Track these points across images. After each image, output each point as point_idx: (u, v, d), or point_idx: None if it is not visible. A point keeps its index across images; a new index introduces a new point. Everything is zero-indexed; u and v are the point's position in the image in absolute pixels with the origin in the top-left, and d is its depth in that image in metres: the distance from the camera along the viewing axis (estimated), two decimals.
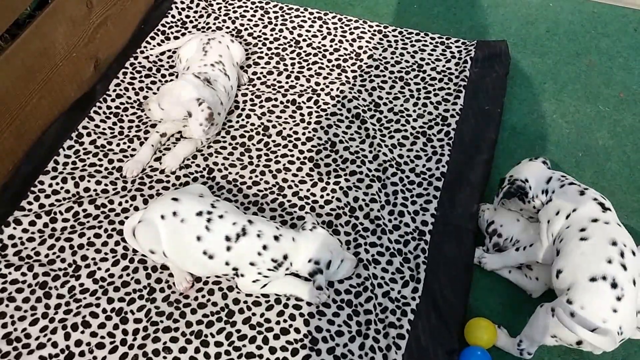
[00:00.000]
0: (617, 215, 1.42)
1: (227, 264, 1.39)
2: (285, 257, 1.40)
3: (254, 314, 1.42)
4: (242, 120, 1.87)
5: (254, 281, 1.41)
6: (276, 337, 1.39)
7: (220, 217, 1.39)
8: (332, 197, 1.66)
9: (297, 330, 1.40)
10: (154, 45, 2.08)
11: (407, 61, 2.05)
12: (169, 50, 2.06)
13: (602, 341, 1.23)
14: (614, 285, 1.25)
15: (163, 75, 2.01)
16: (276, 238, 1.40)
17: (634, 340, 1.45)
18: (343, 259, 1.46)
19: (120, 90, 1.93)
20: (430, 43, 2.12)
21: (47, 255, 1.51)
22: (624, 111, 1.99)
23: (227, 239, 1.38)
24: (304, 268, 1.41)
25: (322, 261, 1.41)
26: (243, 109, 1.89)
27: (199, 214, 1.39)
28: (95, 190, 1.66)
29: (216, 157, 1.76)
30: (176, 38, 2.13)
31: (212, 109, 1.64)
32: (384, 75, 2.00)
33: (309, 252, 1.41)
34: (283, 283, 1.45)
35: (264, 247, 1.39)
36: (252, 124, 1.85)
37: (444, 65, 2.04)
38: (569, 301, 1.28)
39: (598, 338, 1.23)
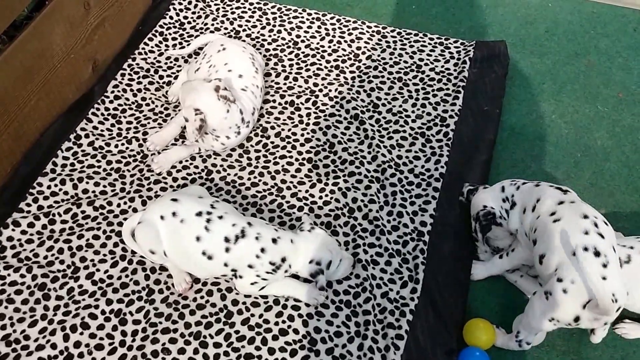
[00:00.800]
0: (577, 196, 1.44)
1: (225, 265, 1.40)
2: (283, 260, 1.41)
3: (252, 315, 1.43)
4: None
5: (252, 283, 1.42)
6: (275, 338, 1.40)
7: (220, 217, 1.40)
8: (331, 198, 1.68)
9: (296, 331, 1.41)
10: (152, 47, 2.09)
11: (405, 62, 2.06)
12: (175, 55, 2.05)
13: (605, 304, 1.22)
14: (597, 254, 1.28)
15: (161, 77, 2.02)
16: (274, 241, 1.41)
17: (632, 341, 1.47)
18: (341, 258, 1.47)
19: (119, 91, 1.95)
20: (429, 43, 2.13)
21: (45, 257, 1.53)
22: (622, 111, 2.00)
23: (227, 240, 1.39)
24: (305, 269, 1.42)
25: (323, 261, 1.42)
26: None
27: (199, 214, 1.40)
28: (93, 191, 1.67)
29: (215, 158, 1.77)
30: (174, 39, 2.14)
31: (205, 122, 1.62)
32: (383, 76, 2.01)
33: (308, 253, 1.42)
34: (281, 285, 1.46)
35: (262, 250, 1.40)
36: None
37: (442, 66, 2.05)
38: (559, 279, 1.29)
39: (601, 301, 1.22)
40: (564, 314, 1.29)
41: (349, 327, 1.42)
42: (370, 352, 1.38)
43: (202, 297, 1.47)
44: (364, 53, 2.09)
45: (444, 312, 1.46)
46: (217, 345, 1.39)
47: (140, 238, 1.43)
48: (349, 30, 2.17)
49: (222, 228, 1.40)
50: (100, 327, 1.41)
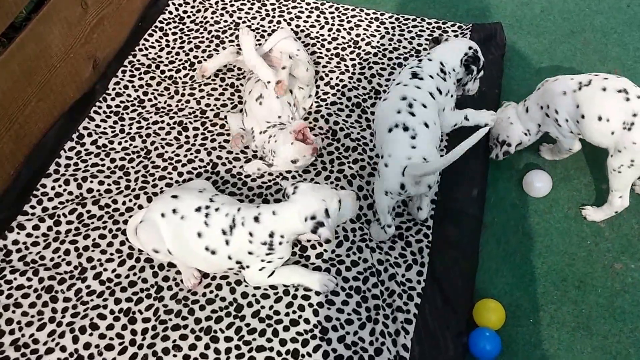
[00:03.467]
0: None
1: (229, 257, 1.25)
2: (271, 235, 1.22)
3: (262, 307, 1.29)
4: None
5: (260, 270, 1.26)
6: (286, 328, 1.25)
7: (217, 210, 1.24)
8: (337, 185, 1.51)
9: (307, 321, 1.26)
10: (153, 42, 1.90)
11: (405, 47, 1.87)
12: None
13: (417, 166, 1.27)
14: (405, 129, 1.31)
15: (162, 72, 1.83)
16: (256, 219, 1.23)
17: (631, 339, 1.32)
18: (339, 199, 1.25)
19: (120, 88, 1.75)
20: (427, 28, 1.93)
21: (52, 259, 1.37)
22: None
23: (224, 232, 1.23)
24: (305, 228, 1.21)
25: (318, 213, 1.19)
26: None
27: (198, 209, 1.24)
28: (98, 190, 1.50)
29: (220, 151, 1.60)
30: (174, 34, 1.94)
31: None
32: (383, 63, 1.82)
33: (297, 214, 1.20)
34: (290, 273, 1.30)
35: (250, 234, 1.23)
36: None
37: None
38: (381, 156, 1.34)
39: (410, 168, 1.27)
40: (390, 184, 1.30)
41: (359, 313, 1.28)
42: (382, 337, 1.24)
43: (211, 292, 1.31)
44: (363, 40, 1.89)
45: (452, 295, 1.32)
46: (228, 339, 1.24)
47: (143, 237, 1.27)
48: (347, 18, 1.97)
49: (218, 221, 1.24)
50: (110, 327, 1.26)
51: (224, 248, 1.25)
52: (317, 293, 1.29)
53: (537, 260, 1.44)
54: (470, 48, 1.49)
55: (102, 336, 1.24)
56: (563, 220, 1.51)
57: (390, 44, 1.88)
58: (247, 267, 1.27)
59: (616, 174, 1.41)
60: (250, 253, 1.25)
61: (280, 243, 1.25)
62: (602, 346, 1.29)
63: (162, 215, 1.25)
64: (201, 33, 1.94)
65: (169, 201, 1.26)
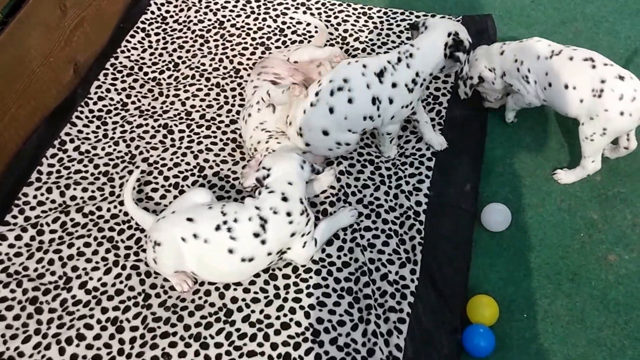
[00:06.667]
0: None
1: (269, 254, 1.26)
2: (301, 201, 1.29)
3: (253, 311, 1.29)
4: (233, 115, 1.69)
5: (304, 246, 1.30)
6: (277, 332, 1.25)
7: (236, 220, 1.25)
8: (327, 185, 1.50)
9: (298, 324, 1.26)
10: (135, 44, 1.88)
11: (393, 42, 1.86)
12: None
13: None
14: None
15: (145, 74, 1.82)
16: (284, 199, 1.29)
17: (634, 304, 1.34)
18: (302, 163, 1.34)
19: (102, 92, 1.74)
20: (416, 22, 1.92)
21: (36, 269, 1.36)
22: None
23: (256, 235, 1.24)
24: (275, 188, 1.29)
25: (272, 167, 1.32)
26: (233, 105, 1.72)
27: (217, 228, 1.24)
28: (82, 198, 1.49)
29: (207, 154, 1.59)
30: (157, 34, 1.93)
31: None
32: None
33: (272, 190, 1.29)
34: (324, 232, 1.35)
35: (288, 214, 1.27)
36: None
37: None
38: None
39: None
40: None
41: (351, 314, 1.28)
42: (374, 337, 1.24)
43: (200, 298, 1.31)
44: (351, 35, 1.88)
45: (446, 291, 1.32)
46: (218, 345, 1.24)
47: (163, 261, 1.26)
48: (334, 13, 1.96)
49: (245, 229, 1.24)
50: (97, 337, 1.25)
51: (261, 249, 1.25)
52: (309, 294, 1.29)
53: (530, 254, 1.44)
54: (449, 34, 1.40)
55: (89, 347, 1.24)
56: (556, 213, 1.51)
57: (379, 39, 1.87)
58: (289, 249, 1.28)
59: (588, 142, 1.44)
60: (292, 235, 1.27)
61: (304, 211, 1.29)
62: (596, 338, 1.30)
63: (183, 239, 1.24)
64: (185, 33, 1.93)
65: (186, 225, 1.25)
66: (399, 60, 1.40)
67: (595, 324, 1.32)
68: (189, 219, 1.26)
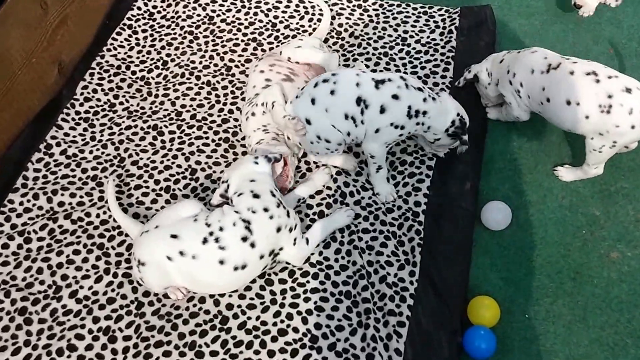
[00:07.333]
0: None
1: (261, 257, 1.23)
2: (273, 194, 1.27)
3: (249, 318, 1.26)
4: (225, 115, 1.64)
5: (295, 244, 1.27)
6: (274, 339, 1.23)
7: (222, 229, 1.21)
8: (323, 185, 1.46)
9: (296, 330, 1.24)
10: (122, 42, 1.83)
11: (390, 35, 1.81)
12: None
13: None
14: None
15: (133, 72, 1.77)
16: (255, 195, 1.26)
17: (637, 302, 1.31)
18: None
19: (88, 93, 1.69)
20: (413, 14, 1.87)
21: (24, 279, 1.32)
22: (614, 68, 1.76)
23: (244, 239, 1.21)
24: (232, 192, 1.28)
25: (229, 180, 1.31)
26: (225, 104, 1.67)
27: (205, 241, 1.20)
28: (70, 203, 1.45)
29: (199, 155, 1.55)
30: (144, 31, 1.87)
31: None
32: (368, 52, 1.76)
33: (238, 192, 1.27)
34: (320, 228, 1.33)
35: (266, 210, 1.24)
36: (236, 119, 1.63)
37: (428, 37, 1.81)
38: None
39: None
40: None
41: (350, 319, 1.25)
42: (373, 341, 1.22)
43: (194, 305, 1.28)
44: (346, 30, 1.83)
45: (445, 293, 1.30)
46: (213, 353, 1.21)
47: (150, 281, 1.23)
48: (329, 6, 1.89)
49: (231, 236, 1.21)
50: (89, 347, 1.22)
51: (252, 252, 1.22)
52: (306, 299, 1.27)
53: (531, 252, 1.42)
54: (458, 114, 1.40)
55: (80, 358, 1.21)
56: (558, 210, 1.49)
57: (374, 33, 1.82)
58: (281, 249, 1.25)
59: (596, 153, 1.41)
60: (278, 230, 1.23)
61: (279, 204, 1.26)
62: (599, 338, 1.29)
63: (169, 258, 1.20)
64: (173, 29, 1.87)
65: (171, 242, 1.20)
66: (420, 89, 1.36)
67: (597, 323, 1.30)
68: (173, 236, 1.21)
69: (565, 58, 1.41)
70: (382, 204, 1.44)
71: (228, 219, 1.23)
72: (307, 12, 1.89)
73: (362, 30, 1.83)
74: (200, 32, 1.86)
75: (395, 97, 1.34)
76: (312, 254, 1.34)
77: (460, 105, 1.44)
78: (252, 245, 1.21)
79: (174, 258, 1.20)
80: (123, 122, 1.63)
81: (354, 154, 1.53)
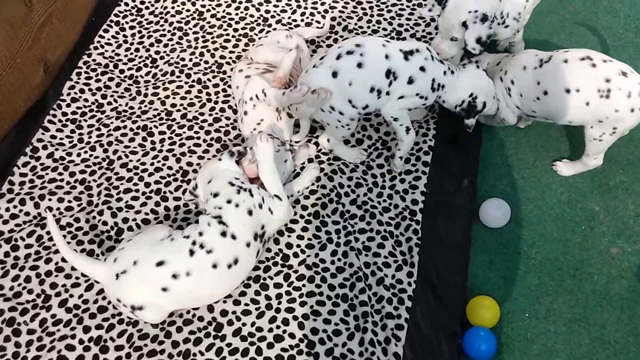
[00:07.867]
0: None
1: (248, 245, 1.21)
2: (232, 183, 1.26)
3: (244, 324, 1.23)
4: (216, 113, 1.60)
5: (272, 212, 1.26)
6: (270, 346, 1.20)
7: (201, 234, 1.19)
8: (317, 185, 1.44)
9: (292, 336, 1.21)
10: (109, 39, 1.77)
11: (385, 29, 1.77)
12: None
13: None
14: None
15: (121, 71, 1.71)
16: (215, 194, 1.26)
17: (638, 300, 1.29)
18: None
19: (75, 93, 1.64)
20: (407, 6, 1.83)
21: (11, 288, 1.28)
22: (612, 57, 1.74)
23: (224, 234, 1.18)
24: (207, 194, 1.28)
25: (197, 179, 1.34)
26: (216, 102, 1.62)
27: (191, 253, 1.17)
28: (58, 209, 1.41)
29: (190, 156, 1.51)
30: (132, 28, 1.81)
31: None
32: None
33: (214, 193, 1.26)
34: (304, 177, 1.40)
35: (229, 201, 1.23)
36: (227, 117, 1.59)
37: (423, 30, 1.76)
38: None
39: None
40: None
41: (347, 323, 1.23)
42: (372, 346, 1.19)
43: (188, 312, 1.25)
44: (339, 24, 1.78)
45: (444, 294, 1.27)
46: None
47: (153, 318, 1.19)
48: (321, 0, 1.85)
49: (212, 234, 1.18)
50: (80, 358, 1.19)
51: (236, 244, 1.20)
52: (302, 304, 1.24)
53: (530, 250, 1.40)
54: (471, 95, 1.40)
55: None
56: (556, 206, 1.46)
57: (369, 26, 1.78)
58: (264, 227, 1.25)
59: (596, 142, 1.38)
60: (250, 213, 1.22)
61: (239, 190, 1.25)
62: (600, 336, 1.27)
63: (164, 289, 1.16)
64: (162, 25, 1.82)
65: (160, 272, 1.15)
66: (441, 61, 1.36)
67: (598, 321, 1.29)
68: (159, 263, 1.16)
69: (554, 52, 1.39)
70: (378, 203, 1.41)
71: (202, 223, 1.21)
72: (299, 6, 1.84)
73: (355, 24, 1.79)
74: (190, 28, 1.81)
75: (422, 69, 1.32)
76: (309, 256, 1.31)
77: (485, 86, 1.41)
78: (234, 237, 1.19)
79: (169, 287, 1.15)
80: (111, 122, 1.59)
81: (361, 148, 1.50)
